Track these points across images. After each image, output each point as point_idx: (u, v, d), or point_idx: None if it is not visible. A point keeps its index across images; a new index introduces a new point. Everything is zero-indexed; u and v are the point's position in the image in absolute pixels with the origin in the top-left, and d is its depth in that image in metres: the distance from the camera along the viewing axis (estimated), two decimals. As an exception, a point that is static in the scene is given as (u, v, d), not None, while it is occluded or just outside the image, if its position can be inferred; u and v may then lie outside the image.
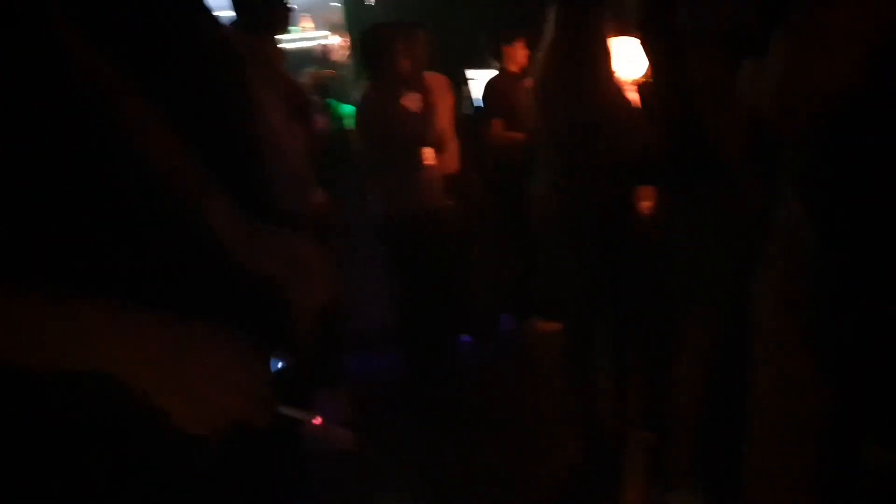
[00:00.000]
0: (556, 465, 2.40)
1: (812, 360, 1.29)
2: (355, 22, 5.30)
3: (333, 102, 4.37)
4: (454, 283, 3.15)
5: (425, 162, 3.00)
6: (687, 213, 1.89)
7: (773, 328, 1.38)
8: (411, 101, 3.01)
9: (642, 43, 2.08)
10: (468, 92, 3.77)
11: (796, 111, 1.00)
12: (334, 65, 5.71)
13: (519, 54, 3.51)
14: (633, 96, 2.35)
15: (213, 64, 1.27)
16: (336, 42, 5.92)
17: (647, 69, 2.59)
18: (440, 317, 3.17)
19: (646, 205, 2.05)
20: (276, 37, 2.53)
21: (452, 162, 3.22)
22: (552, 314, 3.50)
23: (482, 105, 3.65)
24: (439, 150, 3.06)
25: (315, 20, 6.00)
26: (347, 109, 4.58)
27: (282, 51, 2.77)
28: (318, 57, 5.64)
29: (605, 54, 2.30)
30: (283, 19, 2.51)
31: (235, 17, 2.45)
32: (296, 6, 5.83)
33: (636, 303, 2.28)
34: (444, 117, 3.12)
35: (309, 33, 6.10)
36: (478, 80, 3.79)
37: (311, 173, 2.65)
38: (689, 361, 1.96)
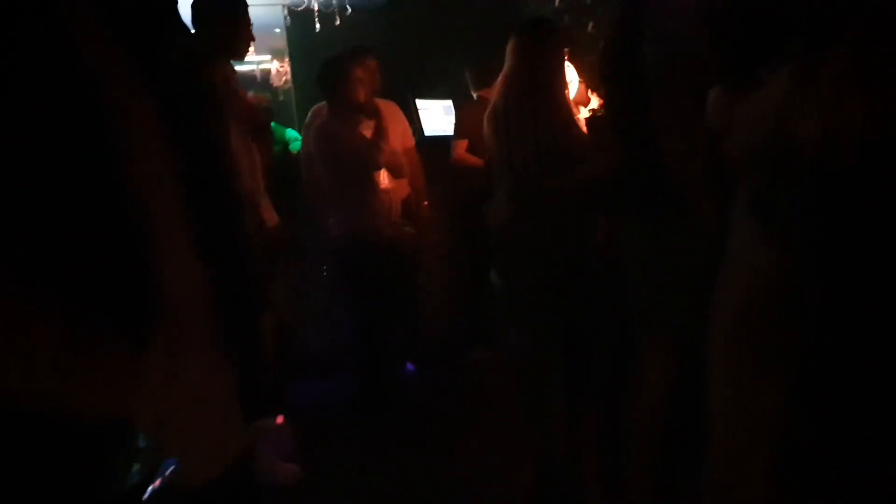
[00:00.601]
0: (509, 494, 2.39)
1: (769, 383, 1.35)
2: (298, 47, 5.28)
3: (276, 126, 4.31)
4: (405, 309, 3.14)
5: (381, 186, 3.01)
6: (642, 240, 1.94)
7: (730, 351, 1.44)
8: (367, 127, 3.03)
9: (603, 76, 2.17)
10: (419, 121, 3.80)
11: (839, 146, 1.03)
12: (276, 89, 5.65)
13: None
14: (585, 124, 2.44)
15: (185, 83, 1.25)
16: (276, 67, 5.86)
17: (600, 100, 2.69)
18: (389, 343, 3.15)
19: (603, 231, 2.10)
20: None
21: (406, 187, 3.24)
22: (497, 343, 3.54)
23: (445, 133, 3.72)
24: (395, 175, 3.08)
25: (256, 45, 5.91)
26: (290, 134, 4.52)
27: (235, 70, 2.74)
28: (257, 81, 5.57)
29: (561, 83, 2.38)
30: (246, 41, 2.50)
31: (194, 35, 2.41)
32: (236, 29, 5.79)
33: (594, 328, 2.33)
34: (397, 143, 3.15)
35: (249, 57, 5.99)
36: (429, 111, 3.83)
37: (266, 195, 2.61)
38: (646, 387, 2.00)
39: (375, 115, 3.05)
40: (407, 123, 3.42)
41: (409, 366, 3.68)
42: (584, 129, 2.49)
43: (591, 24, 4.44)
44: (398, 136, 3.21)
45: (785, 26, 1.22)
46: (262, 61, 5.58)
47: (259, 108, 2.72)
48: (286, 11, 4.96)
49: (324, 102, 3.41)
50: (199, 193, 1.21)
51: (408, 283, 3.15)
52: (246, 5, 2.52)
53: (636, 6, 1.87)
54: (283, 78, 5.82)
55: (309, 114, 3.54)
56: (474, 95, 3.60)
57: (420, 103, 3.84)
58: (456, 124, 3.66)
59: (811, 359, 1.27)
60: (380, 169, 3.02)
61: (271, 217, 2.60)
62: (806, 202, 1.19)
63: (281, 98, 5.72)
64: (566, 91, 2.41)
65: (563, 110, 2.32)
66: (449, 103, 4.06)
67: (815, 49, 1.13)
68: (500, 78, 2.41)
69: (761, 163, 1.29)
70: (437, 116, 3.81)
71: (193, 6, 2.46)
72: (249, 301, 1.39)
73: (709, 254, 1.60)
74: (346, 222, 3.06)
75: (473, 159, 3.46)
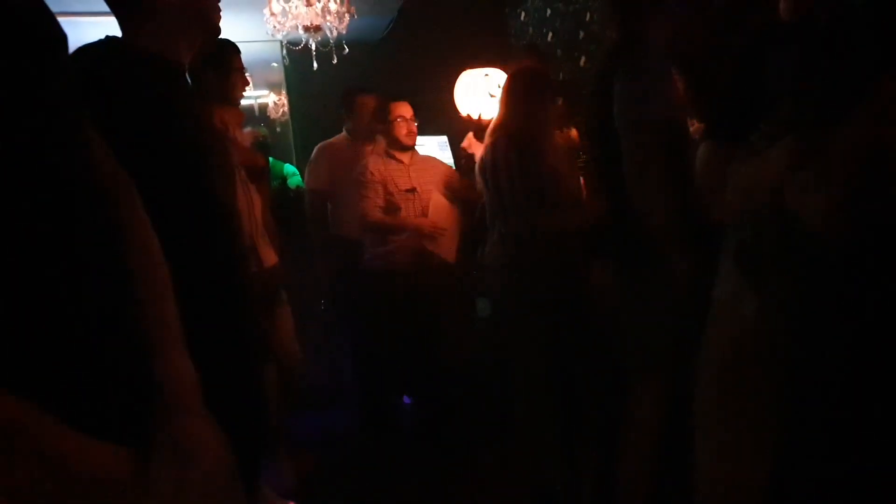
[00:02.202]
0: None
1: (755, 431, 1.38)
2: (295, 81, 5.38)
3: (273, 162, 4.37)
4: (412, 342, 3.19)
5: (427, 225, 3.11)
6: (629, 284, 1.99)
7: (717, 399, 1.47)
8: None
9: (586, 128, 2.23)
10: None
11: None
12: (273, 122, 5.73)
13: None
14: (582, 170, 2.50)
15: (193, 139, 1.30)
16: (273, 100, 5.96)
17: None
18: (394, 376, 3.22)
19: (596, 275, 2.15)
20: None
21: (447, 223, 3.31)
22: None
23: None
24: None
25: (253, 79, 6.03)
26: (288, 169, 4.58)
27: (240, 115, 2.81)
28: (255, 115, 5.65)
29: (550, 134, 2.44)
30: (241, 86, 2.57)
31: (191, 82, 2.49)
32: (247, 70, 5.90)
33: (587, 371, 2.36)
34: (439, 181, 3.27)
35: (249, 92, 6.08)
36: (424, 146, 3.91)
37: (265, 234, 2.66)
38: (636, 429, 2.04)
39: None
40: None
41: (406, 398, 3.71)
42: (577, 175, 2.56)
43: (583, 59, 4.54)
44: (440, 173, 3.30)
45: (776, 88, 1.25)
46: (259, 95, 5.69)
47: (257, 152, 2.77)
48: (284, 48, 5.06)
49: (332, 139, 3.51)
50: (205, 248, 1.27)
51: (421, 316, 3.19)
52: (238, 51, 2.59)
53: (614, 64, 1.93)
54: (281, 111, 5.91)
55: (315, 151, 3.58)
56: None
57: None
58: (456, 160, 3.76)
59: (795, 410, 1.30)
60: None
61: (270, 257, 2.65)
62: (793, 259, 1.21)
63: (278, 130, 5.81)
64: (555, 141, 2.47)
65: (551, 162, 2.35)
66: (444, 139, 4.13)
67: (811, 117, 1.15)
68: (489, 128, 2.46)
69: (753, 221, 1.32)
70: (433, 152, 3.87)
71: (210, 53, 2.55)
72: (253, 355, 1.43)
73: (695, 298, 1.65)
74: (371, 256, 3.17)
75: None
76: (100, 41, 1.27)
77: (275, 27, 4.11)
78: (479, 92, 3.00)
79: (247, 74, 2.75)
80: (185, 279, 1.15)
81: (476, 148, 3.07)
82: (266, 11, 4.01)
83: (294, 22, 4.05)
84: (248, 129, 4.39)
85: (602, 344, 2.26)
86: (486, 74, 3.08)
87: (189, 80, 1.38)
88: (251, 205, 2.56)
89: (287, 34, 4.14)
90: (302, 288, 3.34)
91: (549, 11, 5.07)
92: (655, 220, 1.79)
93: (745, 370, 1.37)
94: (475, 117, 2.95)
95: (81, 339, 0.69)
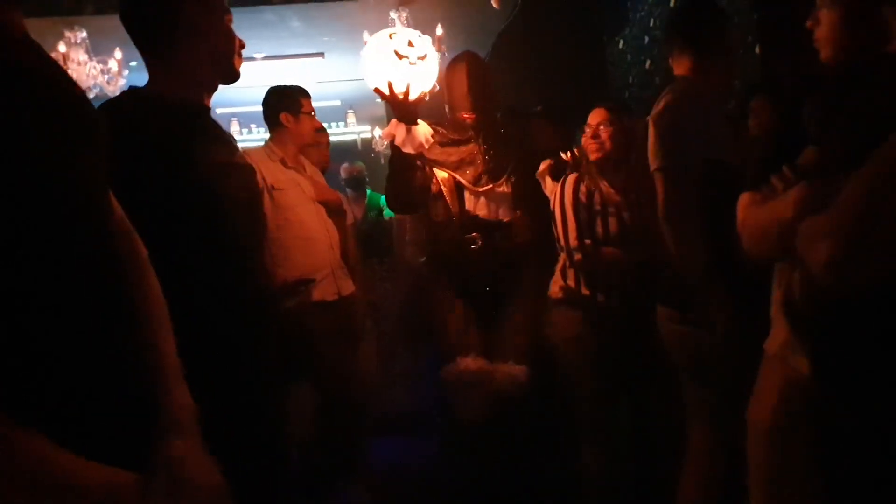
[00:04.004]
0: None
1: (804, 489, 1.31)
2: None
3: (371, 194, 4.58)
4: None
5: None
6: (686, 333, 1.92)
7: (767, 454, 1.40)
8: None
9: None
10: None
11: None
12: (379, 155, 6.00)
13: None
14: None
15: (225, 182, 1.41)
16: (378, 133, 6.25)
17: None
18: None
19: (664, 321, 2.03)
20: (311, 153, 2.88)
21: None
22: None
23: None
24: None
25: (358, 115, 6.38)
26: (384, 200, 4.79)
27: (323, 154, 3.02)
28: (358, 149, 5.95)
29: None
30: (309, 131, 2.78)
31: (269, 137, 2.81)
32: (340, 102, 6.26)
33: (650, 413, 2.30)
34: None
35: (352, 127, 6.47)
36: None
37: (342, 266, 2.81)
38: (691, 475, 1.97)
39: None
40: None
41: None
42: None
43: (647, 62, 4.45)
44: None
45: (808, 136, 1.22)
46: (362, 130, 5.99)
47: (333, 192, 2.94)
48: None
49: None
50: (219, 279, 1.36)
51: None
52: (306, 95, 2.78)
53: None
54: (385, 144, 6.20)
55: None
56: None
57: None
58: None
59: (844, 471, 1.23)
60: None
61: (346, 286, 2.79)
62: (826, 312, 1.15)
63: (382, 163, 6.09)
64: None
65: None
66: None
67: (824, 165, 1.11)
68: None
69: (782, 269, 1.28)
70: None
71: (263, 104, 2.78)
72: (270, 382, 1.49)
73: (741, 349, 1.59)
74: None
75: None
76: (122, 92, 1.43)
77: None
78: (387, 55, 2.15)
79: (352, 111, 2.96)
80: (201, 311, 1.28)
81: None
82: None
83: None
84: (345, 165, 4.66)
85: (665, 389, 2.18)
86: (392, 35, 2.22)
87: (211, 120, 1.47)
88: (328, 238, 2.72)
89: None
90: (387, 313, 3.46)
91: (647, 39, 5.00)
92: (690, 268, 1.76)
93: (795, 428, 1.31)
94: (384, 90, 2.16)
95: (86, 373, 0.77)
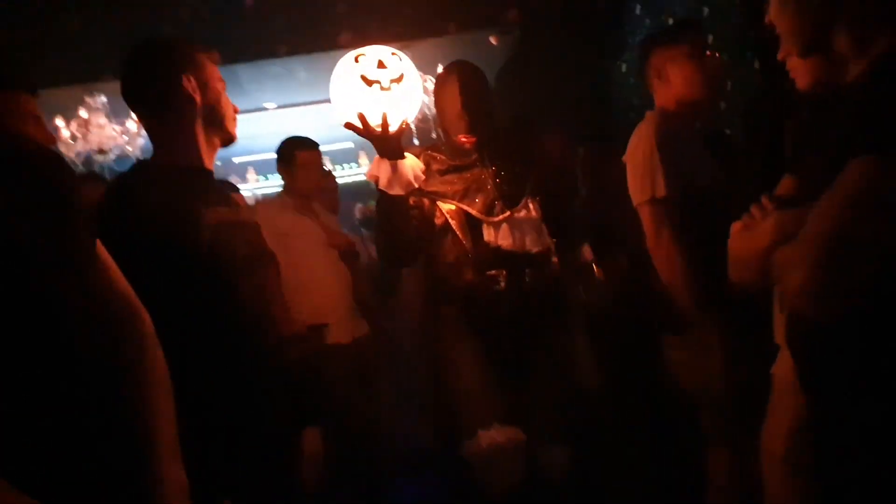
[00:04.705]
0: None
1: None
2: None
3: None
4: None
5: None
6: (692, 356, 1.94)
7: (782, 484, 1.41)
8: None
9: None
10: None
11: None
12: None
13: None
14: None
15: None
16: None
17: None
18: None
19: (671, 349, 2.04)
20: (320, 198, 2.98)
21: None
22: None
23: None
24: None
25: (370, 155, 6.50)
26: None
27: (333, 202, 3.13)
28: (371, 190, 6.05)
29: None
30: (315, 180, 2.91)
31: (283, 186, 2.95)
32: (353, 143, 6.40)
33: (665, 438, 2.30)
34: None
35: (365, 168, 6.61)
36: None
37: (356, 308, 2.89)
38: (711, 497, 1.97)
39: None
40: None
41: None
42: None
43: (710, 38, 4.45)
44: None
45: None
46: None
47: (344, 236, 3.04)
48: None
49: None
50: (227, 337, 1.43)
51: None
52: (306, 149, 2.90)
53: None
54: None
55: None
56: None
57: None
58: None
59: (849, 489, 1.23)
60: None
61: (360, 328, 2.87)
62: (808, 336, 1.12)
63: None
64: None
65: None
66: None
67: (797, 193, 1.14)
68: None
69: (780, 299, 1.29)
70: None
71: (277, 152, 2.93)
72: (290, 421, 1.56)
73: (745, 371, 1.61)
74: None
75: None
76: (131, 166, 1.54)
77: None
78: (354, 83, 1.79)
79: (363, 152, 3.07)
80: (209, 368, 1.36)
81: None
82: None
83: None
84: (359, 205, 4.77)
85: (678, 412, 2.18)
86: (359, 56, 1.84)
87: (213, 183, 1.58)
88: (340, 281, 2.81)
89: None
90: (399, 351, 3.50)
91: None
92: (681, 296, 1.80)
93: (808, 456, 1.32)
94: (358, 123, 1.79)
95: (77, 447, 0.83)
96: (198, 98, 1.48)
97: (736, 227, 1.24)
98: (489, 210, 2.02)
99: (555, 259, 2.06)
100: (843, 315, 1.02)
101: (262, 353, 1.51)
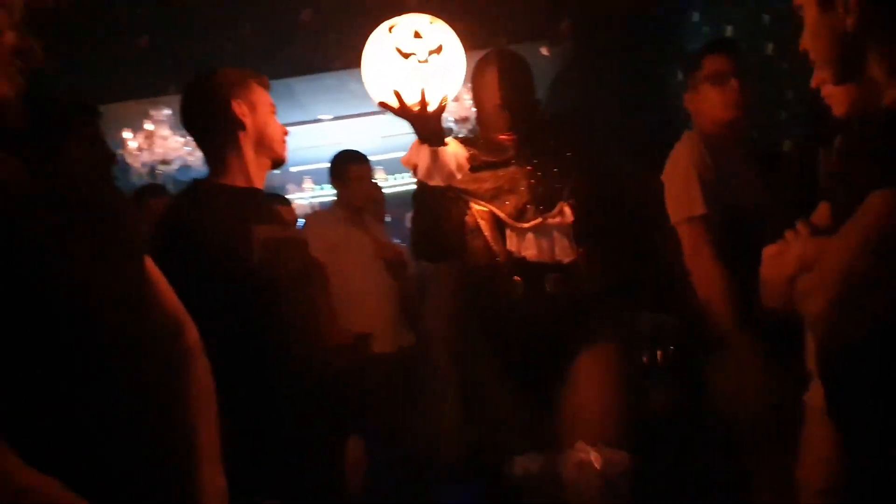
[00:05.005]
0: None
1: None
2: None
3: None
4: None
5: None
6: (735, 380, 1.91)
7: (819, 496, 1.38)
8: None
9: None
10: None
11: None
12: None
13: None
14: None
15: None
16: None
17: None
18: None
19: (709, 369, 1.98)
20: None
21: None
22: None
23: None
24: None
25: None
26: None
27: (382, 211, 3.27)
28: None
29: None
30: (364, 193, 3.01)
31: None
32: (405, 153, 6.51)
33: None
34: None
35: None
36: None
37: (402, 318, 2.94)
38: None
39: None
40: None
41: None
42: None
43: (770, 46, 4.36)
44: None
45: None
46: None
47: (393, 247, 3.10)
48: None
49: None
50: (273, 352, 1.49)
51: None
52: (357, 162, 2.99)
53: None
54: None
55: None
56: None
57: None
58: None
59: None
60: None
61: (406, 338, 2.92)
62: (833, 362, 1.11)
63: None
64: None
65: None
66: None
67: (825, 220, 1.13)
68: None
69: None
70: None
71: (330, 166, 3.06)
72: (334, 431, 1.63)
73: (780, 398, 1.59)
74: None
75: None
76: (187, 185, 1.65)
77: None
78: (387, 56, 1.62)
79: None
80: (255, 378, 1.43)
81: None
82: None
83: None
84: (409, 215, 4.83)
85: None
86: (393, 27, 1.66)
87: (263, 201, 1.66)
88: (387, 292, 2.87)
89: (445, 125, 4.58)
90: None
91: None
92: (718, 316, 1.78)
93: (841, 484, 1.30)
94: (393, 102, 1.63)
95: (120, 449, 0.87)
96: (247, 122, 1.57)
97: (768, 251, 1.23)
98: (519, 214, 1.83)
99: (587, 268, 1.83)
100: (860, 346, 1.00)
101: (306, 362, 1.57)
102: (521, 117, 1.87)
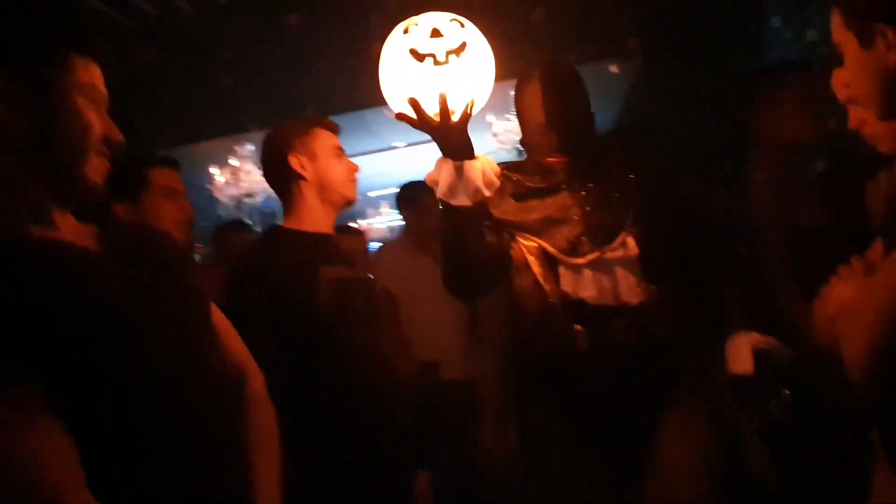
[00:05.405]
0: None
1: None
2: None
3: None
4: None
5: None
6: None
7: None
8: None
9: None
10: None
11: None
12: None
13: None
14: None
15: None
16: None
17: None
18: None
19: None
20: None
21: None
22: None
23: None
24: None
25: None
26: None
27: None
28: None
29: None
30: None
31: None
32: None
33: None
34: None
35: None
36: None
37: (472, 345, 2.96)
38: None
39: None
40: None
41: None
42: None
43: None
44: None
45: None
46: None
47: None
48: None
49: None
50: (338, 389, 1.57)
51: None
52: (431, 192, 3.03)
53: None
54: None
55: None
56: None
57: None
58: None
59: None
60: None
61: (478, 364, 2.93)
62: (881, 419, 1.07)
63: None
64: None
65: None
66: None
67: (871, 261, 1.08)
68: None
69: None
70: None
71: (398, 195, 3.15)
72: (402, 460, 1.67)
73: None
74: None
75: None
76: (263, 231, 1.79)
77: (500, 144, 4.68)
78: (402, 60, 1.39)
79: None
80: (323, 414, 1.51)
81: None
82: (490, 131, 4.58)
83: (514, 137, 4.54)
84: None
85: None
86: (410, 27, 1.42)
87: (332, 244, 1.75)
88: (457, 319, 2.90)
89: (511, 148, 4.65)
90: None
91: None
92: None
93: None
94: (412, 113, 1.37)
95: (192, 493, 0.93)
96: (306, 173, 1.69)
97: (827, 289, 1.19)
98: (572, 247, 1.57)
99: (661, 310, 1.53)
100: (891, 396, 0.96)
101: (372, 399, 1.63)
102: (571, 136, 1.61)
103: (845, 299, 1.04)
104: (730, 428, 1.59)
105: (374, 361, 1.68)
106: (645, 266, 1.55)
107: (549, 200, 1.61)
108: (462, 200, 1.45)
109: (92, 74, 0.95)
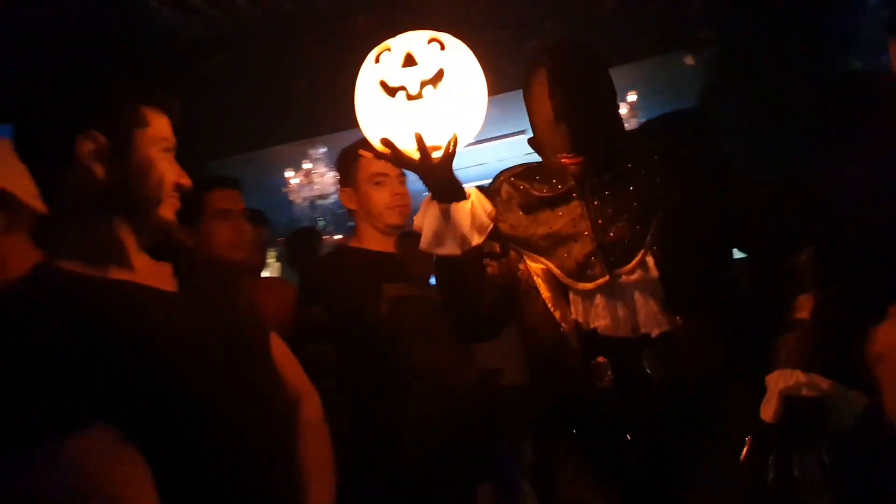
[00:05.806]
0: None
1: None
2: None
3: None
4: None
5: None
6: None
7: None
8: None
9: None
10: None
11: None
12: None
13: None
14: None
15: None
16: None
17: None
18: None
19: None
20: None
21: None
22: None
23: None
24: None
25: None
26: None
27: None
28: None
29: None
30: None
31: None
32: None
33: None
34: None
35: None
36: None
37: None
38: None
39: None
40: None
41: None
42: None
43: None
44: None
45: None
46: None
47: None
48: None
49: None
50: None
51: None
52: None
53: None
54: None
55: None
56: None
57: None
58: None
59: None
60: None
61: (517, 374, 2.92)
62: None
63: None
64: None
65: None
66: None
67: None
68: None
69: None
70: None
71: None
72: (464, 472, 1.73)
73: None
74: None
75: None
76: (332, 248, 1.89)
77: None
78: (373, 94, 1.24)
79: None
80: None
81: None
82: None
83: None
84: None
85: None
86: (381, 54, 1.26)
87: (394, 263, 1.87)
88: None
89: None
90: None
91: (883, 59, 4.46)
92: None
93: None
94: (385, 147, 1.22)
95: None
96: (353, 206, 1.90)
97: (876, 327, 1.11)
98: (580, 271, 1.32)
99: (692, 341, 1.28)
100: None
101: (428, 410, 1.70)
102: (585, 132, 1.28)
103: (893, 342, 0.98)
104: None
105: (429, 374, 1.75)
106: (669, 290, 1.27)
107: (560, 211, 1.36)
108: (450, 249, 1.28)
109: (163, 126, 1.04)
